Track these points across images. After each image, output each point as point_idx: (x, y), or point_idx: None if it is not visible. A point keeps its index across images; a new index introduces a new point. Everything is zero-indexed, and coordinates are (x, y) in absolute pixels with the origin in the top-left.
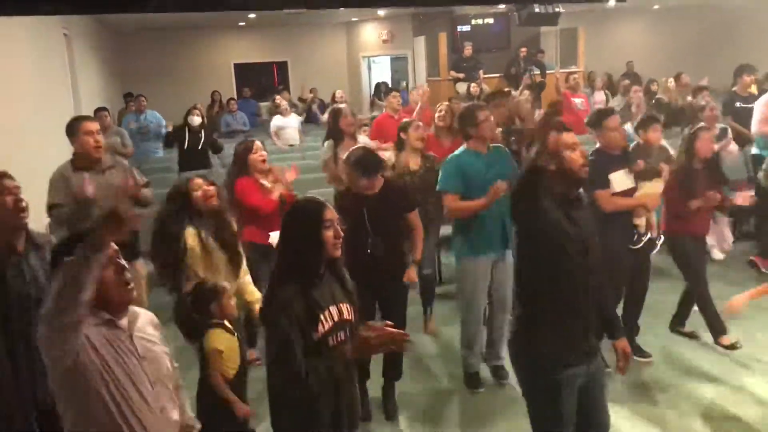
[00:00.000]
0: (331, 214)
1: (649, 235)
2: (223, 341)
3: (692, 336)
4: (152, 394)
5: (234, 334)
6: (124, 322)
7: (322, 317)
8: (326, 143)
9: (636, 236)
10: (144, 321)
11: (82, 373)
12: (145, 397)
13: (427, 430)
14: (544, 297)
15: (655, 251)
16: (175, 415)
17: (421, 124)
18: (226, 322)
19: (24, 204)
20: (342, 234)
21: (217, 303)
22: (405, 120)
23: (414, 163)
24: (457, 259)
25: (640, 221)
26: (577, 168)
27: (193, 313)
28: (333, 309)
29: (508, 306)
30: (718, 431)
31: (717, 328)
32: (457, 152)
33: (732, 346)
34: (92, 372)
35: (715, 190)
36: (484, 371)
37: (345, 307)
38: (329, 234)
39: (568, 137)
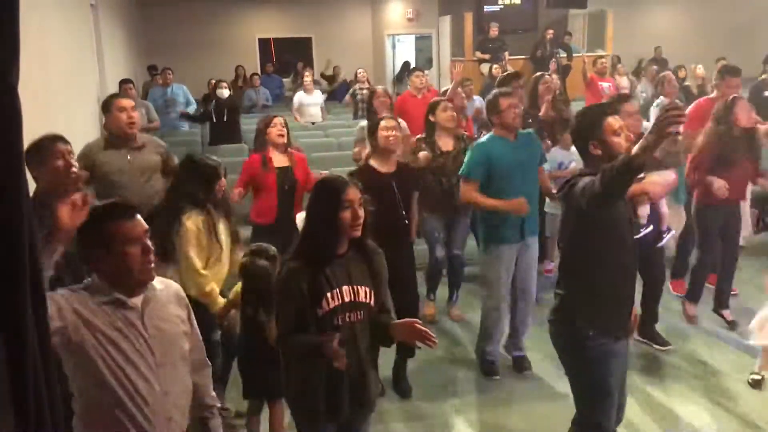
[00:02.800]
0: (352, 194)
1: (650, 227)
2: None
3: (732, 326)
4: (157, 375)
5: None
6: (136, 301)
7: (328, 295)
8: (361, 124)
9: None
10: (164, 299)
11: (80, 351)
12: (147, 378)
13: (440, 411)
14: (603, 274)
15: (661, 244)
16: (184, 400)
17: (450, 104)
18: None
19: (75, 169)
20: (362, 216)
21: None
22: (434, 100)
23: (446, 144)
24: (481, 246)
25: (642, 211)
26: (623, 153)
27: (249, 300)
28: (346, 289)
29: (532, 295)
30: (731, 421)
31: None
32: (484, 139)
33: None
34: (90, 350)
35: (753, 163)
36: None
37: (363, 290)
38: (346, 215)
39: (615, 121)
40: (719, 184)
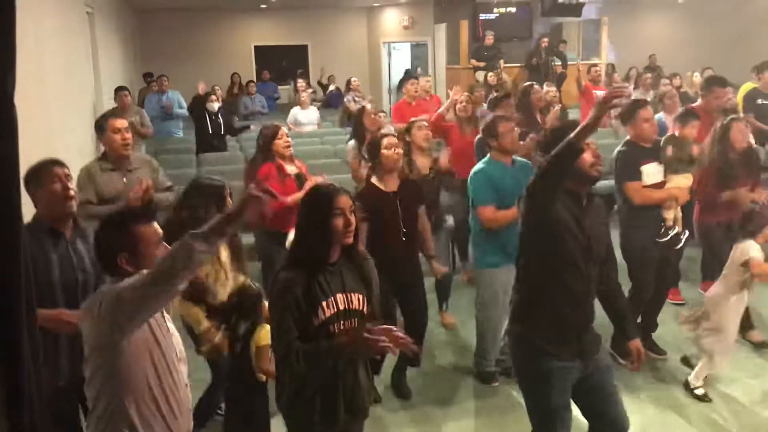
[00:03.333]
0: (343, 202)
1: (676, 229)
2: (268, 337)
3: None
4: (180, 369)
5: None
6: None
7: (324, 304)
8: (350, 143)
9: (663, 229)
10: None
11: (131, 350)
12: (175, 374)
13: (436, 417)
14: (540, 287)
15: (679, 246)
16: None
17: (425, 123)
18: None
19: (72, 192)
20: (353, 223)
21: (260, 305)
22: (412, 120)
23: (423, 166)
24: (477, 269)
25: (669, 214)
26: (587, 167)
27: (240, 320)
28: (340, 297)
29: None
30: (730, 427)
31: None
32: (482, 164)
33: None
34: (139, 349)
35: (751, 181)
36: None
37: (356, 297)
38: (339, 222)
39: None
40: (728, 194)
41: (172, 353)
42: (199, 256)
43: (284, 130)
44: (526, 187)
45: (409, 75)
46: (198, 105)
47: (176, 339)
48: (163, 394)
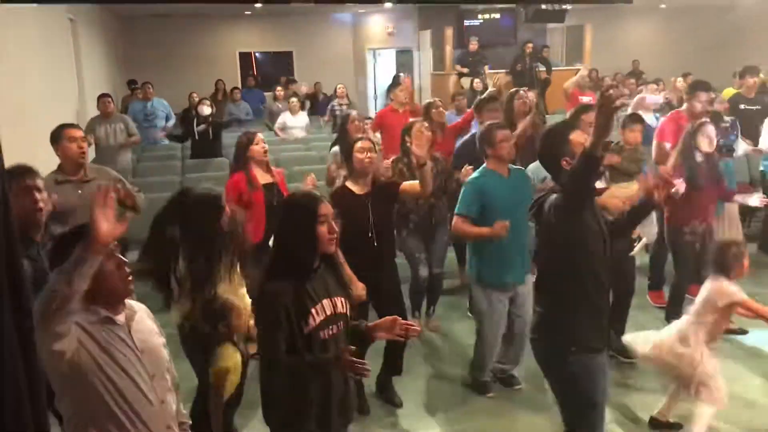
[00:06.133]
0: (326, 209)
1: (643, 240)
2: (232, 359)
3: None
4: (152, 387)
5: (239, 351)
6: (121, 317)
7: (313, 310)
8: (333, 150)
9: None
10: (142, 314)
11: (78, 370)
12: (144, 391)
13: (427, 423)
14: (579, 290)
15: (632, 254)
16: (176, 406)
17: (426, 125)
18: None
19: (41, 204)
20: (336, 229)
21: (225, 323)
22: (410, 121)
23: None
24: (475, 284)
25: None
26: None
27: (202, 329)
28: (326, 302)
29: (527, 328)
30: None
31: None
32: (477, 174)
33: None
34: (89, 370)
35: (716, 185)
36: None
37: (340, 301)
38: (323, 229)
39: (579, 136)
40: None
41: (139, 369)
42: (63, 293)
43: (261, 136)
44: (543, 210)
45: (397, 81)
46: (187, 115)
47: (151, 355)
48: (127, 411)
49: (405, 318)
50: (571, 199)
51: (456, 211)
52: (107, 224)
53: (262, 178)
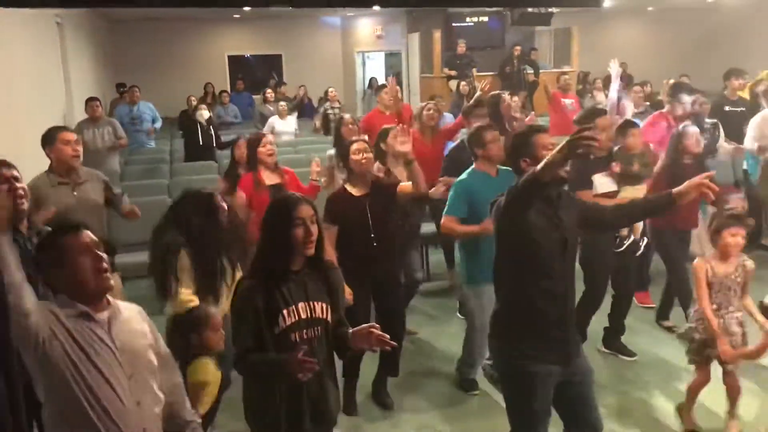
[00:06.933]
0: (304, 212)
1: (632, 238)
2: (209, 374)
3: (672, 330)
4: (127, 387)
5: (218, 368)
6: (101, 315)
7: (284, 312)
8: (329, 152)
9: (618, 240)
10: (128, 315)
11: (49, 360)
12: (116, 389)
13: (416, 423)
14: (522, 294)
15: (639, 253)
16: (156, 409)
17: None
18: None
19: (21, 192)
20: (314, 233)
21: (197, 334)
22: (384, 127)
23: (400, 174)
24: (466, 283)
25: None
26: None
27: (175, 340)
28: (302, 305)
29: None
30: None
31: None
32: (465, 175)
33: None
34: (60, 360)
35: None
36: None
37: (319, 306)
38: (299, 232)
39: (544, 138)
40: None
41: (114, 368)
42: None
43: (269, 138)
44: (495, 209)
45: (371, 84)
46: (187, 118)
47: (131, 356)
48: (95, 406)
49: (403, 322)
50: (508, 205)
51: (444, 212)
52: None
53: (269, 179)
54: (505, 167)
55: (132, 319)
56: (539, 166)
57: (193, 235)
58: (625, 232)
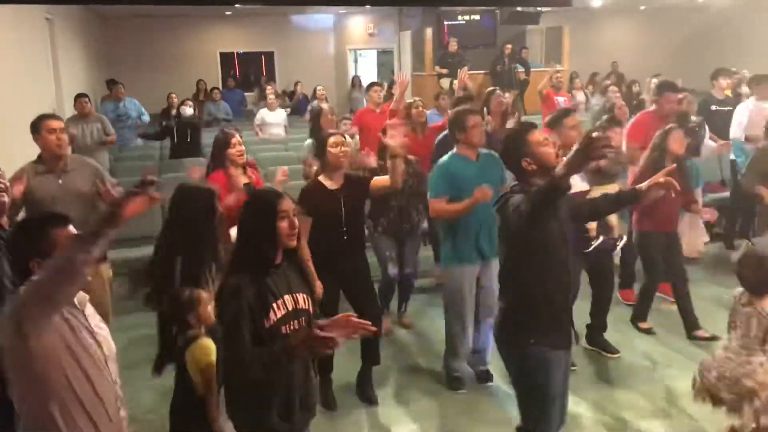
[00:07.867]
0: (286, 205)
1: (601, 239)
2: (213, 352)
3: (649, 332)
4: (107, 368)
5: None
6: (78, 303)
7: (274, 305)
8: (306, 143)
9: (587, 241)
10: (88, 303)
11: (44, 351)
12: (103, 371)
13: (399, 419)
14: (540, 288)
15: (615, 252)
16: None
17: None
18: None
19: (2, 186)
20: (297, 225)
21: (194, 313)
22: (387, 123)
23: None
24: (443, 266)
25: (591, 225)
26: (553, 161)
27: (173, 327)
28: (288, 298)
29: (495, 312)
30: (677, 425)
31: (690, 323)
32: (445, 158)
33: (713, 338)
34: (54, 350)
35: (687, 194)
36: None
37: (302, 297)
38: (284, 224)
39: (537, 135)
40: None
41: (97, 351)
42: (80, 262)
43: (237, 138)
44: (511, 211)
45: (353, 83)
46: (166, 116)
47: (104, 335)
48: (90, 393)
49: (378, 309)
50: (533, 212)
51: (430, 195)
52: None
53: (240, 179)
54: (486, 150)
55: (90, 307)
56: (558, 175)
57: (192, 235)
58: (593, 232)
